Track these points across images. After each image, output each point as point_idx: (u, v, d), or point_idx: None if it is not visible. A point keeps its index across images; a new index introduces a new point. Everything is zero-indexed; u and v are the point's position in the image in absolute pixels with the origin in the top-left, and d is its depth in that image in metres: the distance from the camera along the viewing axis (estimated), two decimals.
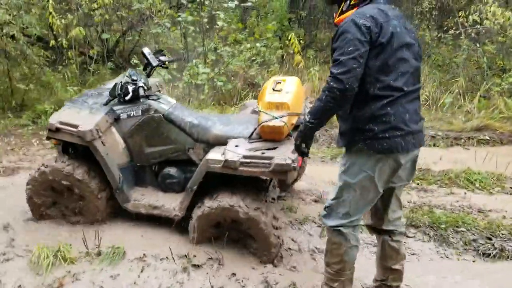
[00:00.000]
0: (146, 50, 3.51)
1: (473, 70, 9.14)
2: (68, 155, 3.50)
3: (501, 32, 8.48)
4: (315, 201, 4.02)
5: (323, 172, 4.69)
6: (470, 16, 8.41)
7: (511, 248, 3.33)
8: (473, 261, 3.23)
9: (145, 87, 3.34)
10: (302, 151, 2.34)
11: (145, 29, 8.65)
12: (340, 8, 2.32)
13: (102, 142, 3.24)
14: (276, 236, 3.13)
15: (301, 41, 10.15)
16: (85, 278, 2.86)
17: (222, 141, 3.21)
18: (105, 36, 7.65)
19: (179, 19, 6.49)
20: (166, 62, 3.72)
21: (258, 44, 7.30)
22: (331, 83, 2.09)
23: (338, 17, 2.32)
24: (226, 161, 2.95)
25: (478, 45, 9.05)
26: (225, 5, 6.41)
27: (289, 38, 7.35)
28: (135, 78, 3.39)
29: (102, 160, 3.23)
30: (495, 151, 5.46)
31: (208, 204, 3.06)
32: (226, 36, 7.99)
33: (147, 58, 3.52)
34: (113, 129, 3.37)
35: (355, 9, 2.24)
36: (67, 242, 3.14)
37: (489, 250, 3.31)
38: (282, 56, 9.10)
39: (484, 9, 8.10)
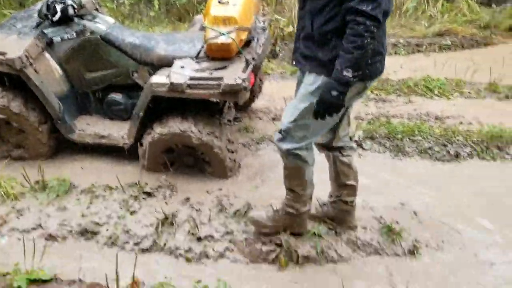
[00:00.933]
0: None
1: None
2: (3, 86, 3.21)
3: None
4: (273, 119, 3.92)
5: (283, 89, 4.55)
6: None
7: (466, 153, 3.36)
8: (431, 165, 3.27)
9: (75, 5, 3.02)
10: (339, 106, 2.01)
11: None
12: None
13: (35, 70, 2.97)
14: (232, 160, 3.05)
15: None
16: (30, 213, 2.75)
17: (167, 62, 2.99)
18: None
19: None
20: None
21: None
22: (369, 23, 1.82)
23: None
24: (171, 84, 2.76)
25: None
26: None
27: None
28: None
29: (37, 89, 2.98)
30: (456, 56, 5.39)
31: (158, 130, 2.92)
32: None
33: None
34: (46, 55, 3.08)
35: None
36: (9, 177, 2.98)
37: (444, 156, 3.33)
38: None
39: None
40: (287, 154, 2.26)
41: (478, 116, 3.92)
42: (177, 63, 2.91)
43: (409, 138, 3.51)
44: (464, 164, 3.27)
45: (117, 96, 3.24)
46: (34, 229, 2.64)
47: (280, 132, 2.25)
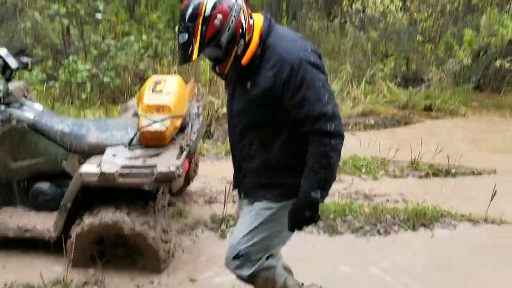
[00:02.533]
0: (2, 52, 3.09)
1: (359, 56, 9.60)
2: None
3: (382, 19, 8.98)
4: (209, 202, 3.90)
5: (218, 169, 4.59)
6: (353, 5, 8.78)
7: (395, 231, 3.50)
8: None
9: (1, 94, 2.95)
10: (314, 221, 1.94)
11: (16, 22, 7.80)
12: (234, 51, 1.82)
13: None
14: (166, 251, 2.95)
15: None
16: None
17: (99, 150, 2.94)
18: None
19: (51, 11, 5.93)
20: (30, 64, 3.32)
21: (145, 37, 6.94)
22: (334, 142, 1.75)
23: (244, 55, 1.83)
24: (102, 173, 2.70)
25: (362, 32, 9.52)
26: None
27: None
28: None
29: None
30: (379, 135, 5.77)
31: (88, 220, 2.80)
32: (112, 27, 7.51)
33: (4, 61, 3.10)
34: None
35: (257, 39, 1.82)
36: None
37: (375, 235, 3.44)
38: (176, 47, 8.80)
39: None
40: (253, 277, 2.06)
41: (403, 193, 4.15)
42: (109, 151, 2.87)
43: (341, 218, 3.61)
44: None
45: (44, 186, 3.10)
46: None
47: (236, 258, 2.03)
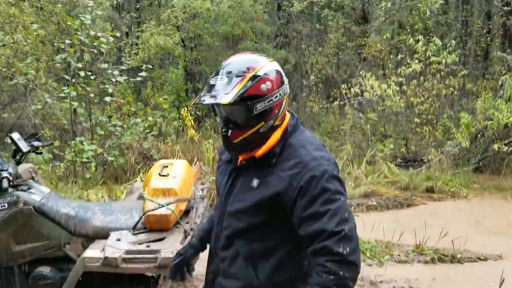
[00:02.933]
0: (15, 136, 3.18)
1: (359, 137, 9.81)
2: None
3: (379, 102, 9.30)
4: None
5: None
6: (352, 89, 9.13)
7: None
8: None
9: (10, 177, 2.99)
10: None
11: (25, 104, 8.06)
12: (259, 126, 1.59)
13: None
14: None
15: (197, 112, 10.23)
16: None
17: (103, 234, 2.93)
18: None
19: (62, 94, 6.17)
20: (40, 147, 3.40)
21: (150, 118, 7.15)
22: (343, 272, 1.43)
23: (260, 147, 1.61)
24: (105, 258, 2.67)
25: (361, 114, 9.81)
26: (113, 79, 6.24)
27: (181, 112, 7.34)
28: (0, 166, 3.03)
29: None
30: (382, 217, 5.74)
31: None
32: (119, 108, 7.76)
33: (16, 144, 3.18)
34: None
35: (280, 135, 1.63)
36: None
37: None
38: (180, 127, 9.04)
39: (363, 82, 8.86)
40: None
41: (410, 280, 4.05)
42: (113, 235, 2.86)
43: None
44: None
45: (45, 270, 3.04)
46: None
47: None
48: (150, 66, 8.63)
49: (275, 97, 1.57)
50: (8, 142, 6.36)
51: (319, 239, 1.46)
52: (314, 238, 1.48)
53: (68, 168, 6.08)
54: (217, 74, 1.57)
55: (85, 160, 5.77)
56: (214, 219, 1.79)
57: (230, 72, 1.54)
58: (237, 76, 1.53)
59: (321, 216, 1.47)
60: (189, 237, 2.89)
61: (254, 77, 1.54)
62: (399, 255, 4.58)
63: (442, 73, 8.77)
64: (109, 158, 6.46)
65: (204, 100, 1.52)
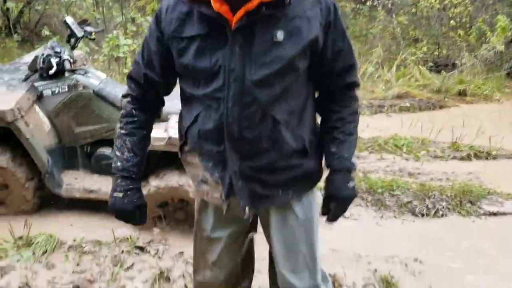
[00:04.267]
0: (69, 20, 3.18)
1: (389, 40, 9.55)
2: None
3: (413, 4, 8.91)
4: None
5: None
6: None
7: (442, 206, 3.55)
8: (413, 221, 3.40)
9: (71, 60, 3.04)
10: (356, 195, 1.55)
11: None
12: None
13: (25, 123, 2.91)
14: None
15: None
16: (15, 271, 2.58)
17: (161, 117, 3.02)
18: (10, 4, 6.90)
19: None
20: (93, 33, 3.40)
21: None
22: (357, 96, 1.53)
23: None
24: (169, 138, 2.79)
25: (393, 16, 9.45)
26: None
27: None
28: (58, 50, 3.06)
29: (27, 143, 2.91)
30: (416, 117, 5.77)
31: (155, 183, 2.89)
32: (144, 6, 7.58)
33: (71, 29, 3.18)
34: (36, 108, 3.04)
35: None
36: None
37: (423, 210, 3.49)
38: None
39: None
40: None
41: (447, 173, 4.18)
42: (173, 119, 2.95)
43: (388, 193, 3.66)
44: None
45: (107, 151, 3.20)
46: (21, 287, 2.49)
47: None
48: None
49: None
50: (43, 34, 6.37)
51: (343, 74, 1.46)
52: (338, 75, 1.46)
53: (104, 63, 6.11)
54: None
55: (121, 55, 5.77)
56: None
57: None
58: None
59: (344, 51, 1.42)
60: None
61: None
62: (435, 151, 4.68)
63: None
64: None
65: None
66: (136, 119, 1.55)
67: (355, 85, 1.50)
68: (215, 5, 1.27)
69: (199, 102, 1.42)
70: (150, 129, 1.62)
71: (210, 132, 1.41)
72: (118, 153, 1.54)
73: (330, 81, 1.47)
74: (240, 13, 1.27)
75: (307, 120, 1.46)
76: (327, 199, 1.53)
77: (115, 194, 1.54)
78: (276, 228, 1.54)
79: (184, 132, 1.51)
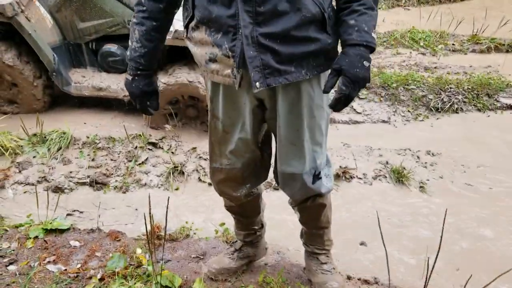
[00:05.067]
0: None
1: None
2: None
3: None
4: None
5: None
6: None
7: (458, 100, 3.47)
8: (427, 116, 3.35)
9: None
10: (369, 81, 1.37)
11: None
12: None
13: (26, 17, 2.81)
14: None
15: None
16: (32, 166, 2.65)
17: None
18: None
19: None
20: None
21: None
22: None
23: None
24: (176, 31, 2.68)
25: None
26: None
27: None
28: None
29: (30, 39, 2.83)
30: (437, 10, 5.48)
31: (164, 80, 2.84)
32: None
33: None
34: (37, 3, 2.92)
35: None
36: (2, 131, 2.85)
37: (438, 104, 3.42)
38: None
39: None
40: (327, 193, 1.64)
41: (464, 66, 4.04)
42: (178, 13, 2.81)
43: (403, 87, 3.57)
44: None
45: (112, 47, 3.12)
46: (39, 182, 2.57)
47: (316, 178, 1.58)
48: None
49: None
50: None
51: None
52: None
53: None
54: None
55: None
56: None
57: None
58: None
59: None
60: None
61: None
62: (453, 45, 4.49)
63: None
64: None
65: None
66: (145, 8, 1.45)
67: None
68: None
69: None
70: (163, 20, 1.49)
71: None
72: (129, 42, 1.50)
73: None
74: None
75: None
76: (335, 75, 1.34)
77: (126, 76, 1.52)
78: (283, 112, 1.46)
79: (192, 1, 1.39)
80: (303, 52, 1.34)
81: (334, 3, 1.44)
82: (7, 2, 2.68)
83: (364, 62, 1.32)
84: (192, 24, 1.42)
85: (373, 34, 1.33)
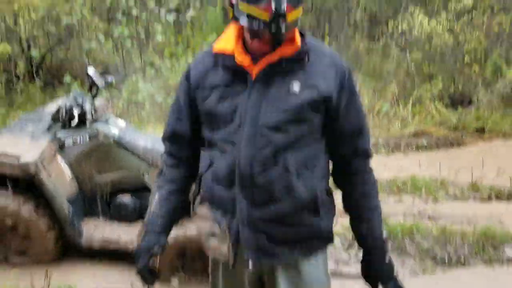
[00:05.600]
0: (91, 71, 3.27)
1: (403, 77, 9.58)
2: (12, 190, 3.11)
3: (427, 41, 8.98)
4: None
5: None
6: (398, 26, 8.83)
7: (464, 254, 3.47)
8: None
9: (92, 111, 3.12)
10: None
11: (73, 43, 8.16)
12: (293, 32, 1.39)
13: (48, 173, 2.97)
14: None
15: None
16: None
17: None
18: (34, 53, 7.14)
19: (116, 34, 6.21)
20: (114, 82, 3.50)
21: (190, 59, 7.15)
22: (372, 171, 1.54)
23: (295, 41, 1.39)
24: None
25: (405, 53, 9.53)
26: (162, 19, 6.22)
27: None
28: (80, 100, 3.16)
29: (49, 194, 2.96)
30: (433, 156, 5.73)
31: (173, 232, 2.89)
32: (162, 49, 7.77)
33: (92, 79, 3.28)
34: (58, 158, 3.12)
35: (298, 34, 1.42)
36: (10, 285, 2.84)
37: (445, 257, 3.42)
38: None
39: (411, 18, 8.54)
40: None
41: (467, 215, 4.11)
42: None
43: (409, 238, 3.61)
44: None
45: (126, 199, 3.24)
46: None
47: None
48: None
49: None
50: (65, 81, 6.55)
51: (354, 138, 1.48)
52: (355, 137, 1.48)
53: (123, 107, 6.24)
54: None
55: (140, 100, 5.89)
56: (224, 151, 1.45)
57: None
58: None
59: (359, 115, 1.47)
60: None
61: None
62: (454, 192, 4.62)
63: (495, 8, 8.35)
64: (159, 99, 6.57)
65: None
66: (167, 174, 1.62)
67: (368, 153, 1.51)
68: (238, 58, 1.39)
69: (216, 147, 1.47)
70: (182, 185, 1.64)
71: (222, 175, 1.44)
72: (150, 207, 1.65)
73: (344, 146, 1.48)
74: (262, 65, 1.38)
75: (320, 175, 1.47)
76: (368, 281, 1.56)
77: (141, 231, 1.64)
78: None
79: (199, 180, 1.55)
80: (295, 236, 1.46)
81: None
82: (32, 160, 2.86)
83: (386, 259, 1.53)
84: (198, 199, 1.58)
85: (385, 234, 1.54)
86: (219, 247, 1.52)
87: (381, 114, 7.59)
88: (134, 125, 5.97)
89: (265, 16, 1.28)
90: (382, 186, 4.71)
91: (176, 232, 2.87)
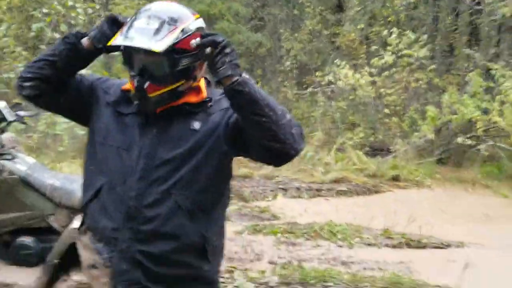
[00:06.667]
0: (1, 104, 3.11)
1: (329, 124, 10.02)
2: None
3: (351, 91, 9.52)
4: None
5: None
6: (325, 77, 9.30)
7: None
8: None
9: None
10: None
11: None
12: (180, 83, 1.43)
13: None
14: None
15: None
16: None
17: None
18: None
19: None
20: (26, 118, 3.34)
21: None
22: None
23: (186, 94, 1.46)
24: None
25: (332, 102, 10.01)
26: None
27: None
28: None
29: None
30: (352, 202, 5.96)
31: (77, 277, 2.74)
32: None
33: (1, 113, 3.11)
34: None
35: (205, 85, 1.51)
36: None
37: None
38: None
39: (337, 70, 9.04)
40: None
41: (379, 262, 4.25)
42: None
43: (321, 284, 3.66)
44: None
45: (27, 240, 3.02)
46: None
47: None
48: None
49: (201, 55, 1.37)
50: None
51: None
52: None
53: (39, 141, 5.95)
54: (143, 17, 1.36)
55: (58, 132, 5.66)
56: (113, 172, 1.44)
57: (160, 19, 1.35)
58: (169, 24, 1.35)
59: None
60: None
61: (186, 30, 1.37)
62: (368, 238, 4.78)
63: (412, 66, 9.06)
64: (79, 132, 6.34)
65: (135, 43, 1.30)
66: None
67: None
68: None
69: (105, 174, 1.45)
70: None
71: (110, 206, 1.42)
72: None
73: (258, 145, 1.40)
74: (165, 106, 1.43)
75: (213, 222, 1.45)
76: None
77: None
78: None
79: (83, 208, 1.54)
80: (177, 275, 1.43)
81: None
82: None
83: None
84: (82, 228, 1.57)
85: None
86: (98, 278, 1.49)
87: (306, 159, 7.82)
88: (50, 160, 5.72)
89: (132, 87, 1.41)
90: (300, 230, 4.79)
91: (80, 278, 2.73)
